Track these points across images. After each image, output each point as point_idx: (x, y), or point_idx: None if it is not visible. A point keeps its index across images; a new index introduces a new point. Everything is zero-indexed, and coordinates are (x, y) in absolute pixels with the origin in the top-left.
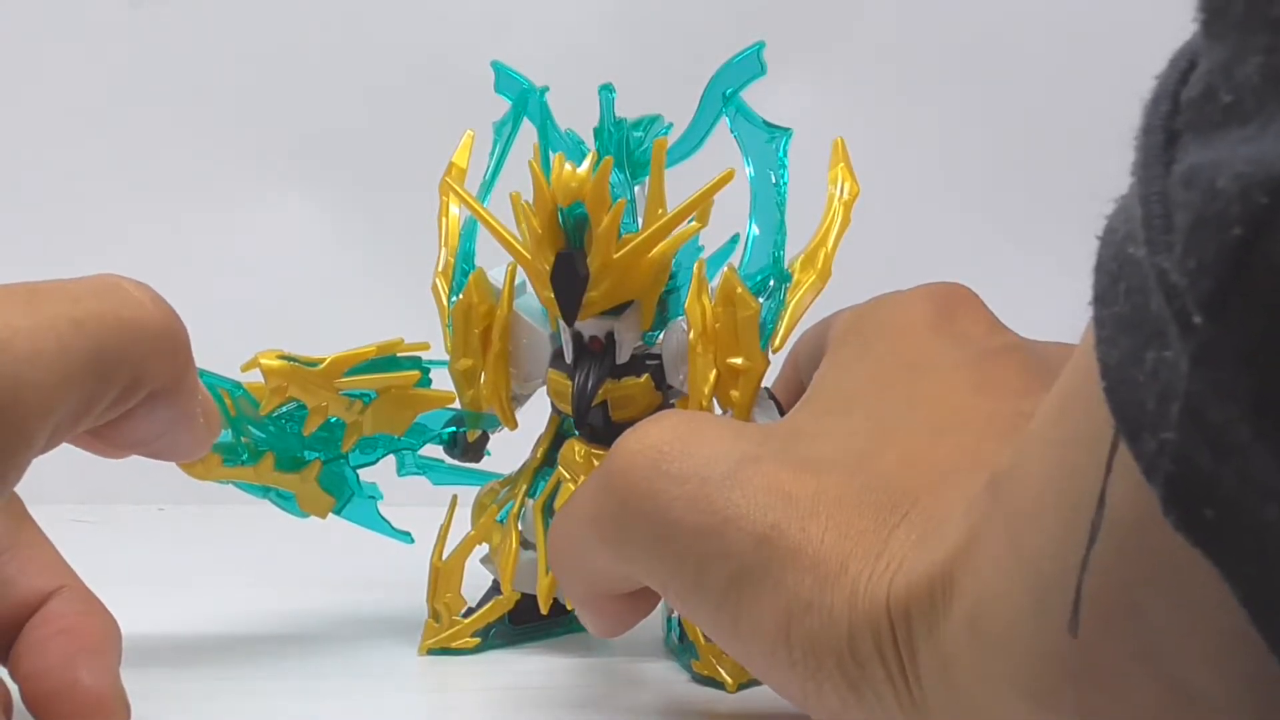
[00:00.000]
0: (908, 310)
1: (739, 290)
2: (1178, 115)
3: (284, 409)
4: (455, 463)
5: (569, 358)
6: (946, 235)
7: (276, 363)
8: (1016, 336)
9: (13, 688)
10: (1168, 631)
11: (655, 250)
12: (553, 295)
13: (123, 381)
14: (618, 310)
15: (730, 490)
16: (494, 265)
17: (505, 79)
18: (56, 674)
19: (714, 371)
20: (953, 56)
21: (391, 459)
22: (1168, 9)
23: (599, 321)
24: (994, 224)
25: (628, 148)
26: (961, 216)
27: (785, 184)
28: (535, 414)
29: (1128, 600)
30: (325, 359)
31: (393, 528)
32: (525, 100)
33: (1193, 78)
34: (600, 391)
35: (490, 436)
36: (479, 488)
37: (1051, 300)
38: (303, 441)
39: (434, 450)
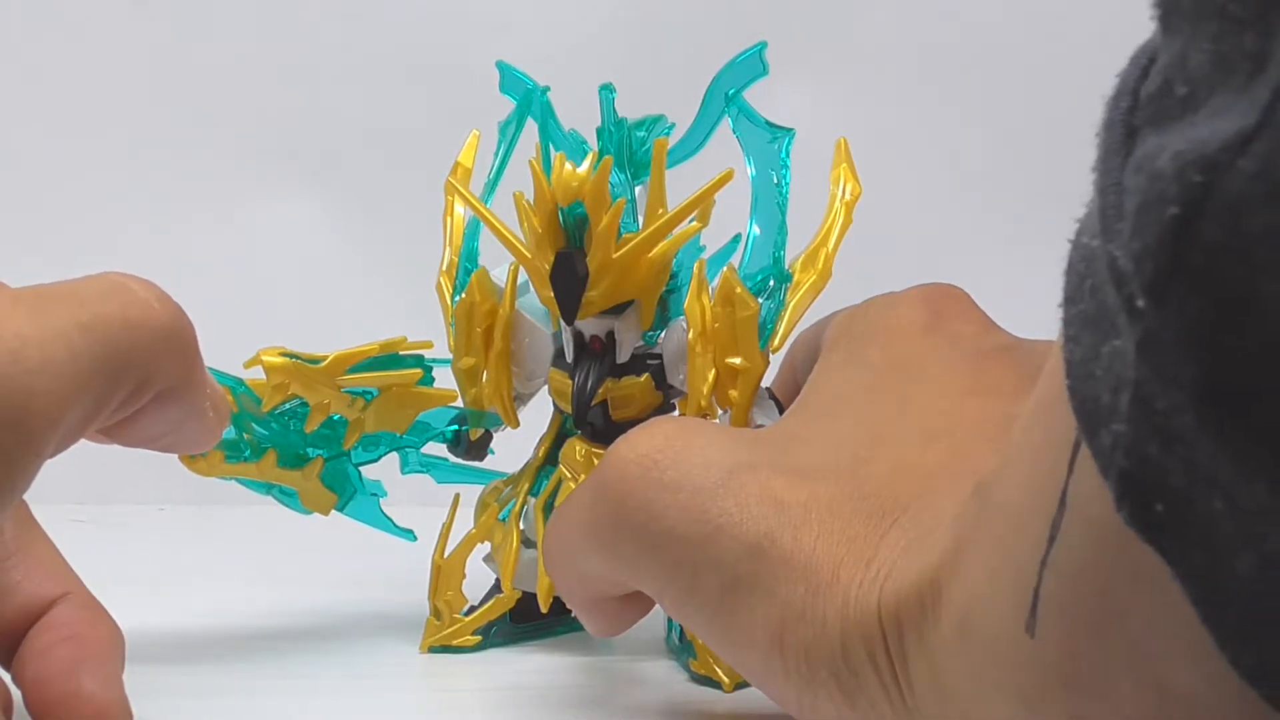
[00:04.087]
0: (899, 312)
1: (738, 290)
2: (1137, 110)
3: (286, 406)
4: (459, 461)
5: (569, 357)
6: (949, 236)
7: (278, 360)
8: (1009, 336)
9: (14, 691)
10: (1149, 633)
11: (655, 250)
12: (552, 295)
13: (132, 383)
14: (618, 310)
15: (723, 498)
16: (498, 264)
17: (510, 79)
18: (60, 681)
19: (713, 371)
20: (955, 57)
21: (395, 457)
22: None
23: (599, 321)
24: (996, 224)
25: (629, 148)
26: (964, 217)
27: (787, 184)
28: (538, 413)
29: (1108, 603)
30: (327, 356)
31: (395, 525)
32: (530, 100)
33: (1151, 72)
34: (600, 391)
35: (494, 435)
36: (482, 486)
37: (1054, 300)
38: (305, 439)
39: (438, 449)
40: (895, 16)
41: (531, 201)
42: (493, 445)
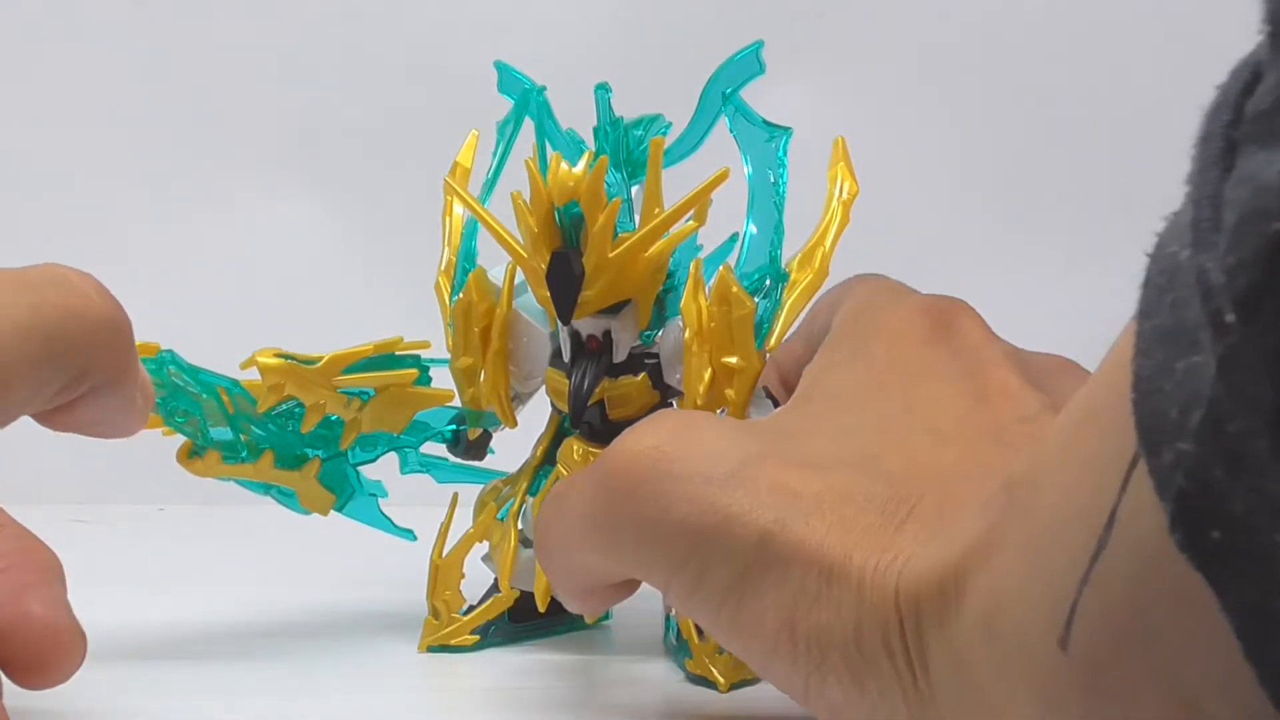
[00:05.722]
0: (904, 317)
1: (734, 289)
2: (1239, 125)
3: (284, 407)
4: (459, 461)
5: (566, 356)
6: (946, 236)
7: (273, 361)
8: (1010, 346)
9: None
10: (1181, 654)
11: (652, 249)
12: (549, 294)
13: (72, 369)
14: (615, 309)
15: (733, 489)
16: (497, 264)
17: (508, 78)
18: (6, 609)
19: (709, 371)
20: (955, 58)
21: (395, 457)
22: (1166, 11)
23: (596, 320)
24: (994, 225)
25: (627, 147)
26: (961, 217)
27: (784, 183)
28: (538, 413)
29: (1142, 620)
30: (323, 357)
31: (394, 525)
32: (527, 100)
33: (1260, 89)
34: (597, 390)
35: (493, 435)
36: (482, 486)
37: (1052, 301)
38: (302, 439)
39: (439, 449)
40: (894, 16)
41: (528, 201)
42: (493, 445)
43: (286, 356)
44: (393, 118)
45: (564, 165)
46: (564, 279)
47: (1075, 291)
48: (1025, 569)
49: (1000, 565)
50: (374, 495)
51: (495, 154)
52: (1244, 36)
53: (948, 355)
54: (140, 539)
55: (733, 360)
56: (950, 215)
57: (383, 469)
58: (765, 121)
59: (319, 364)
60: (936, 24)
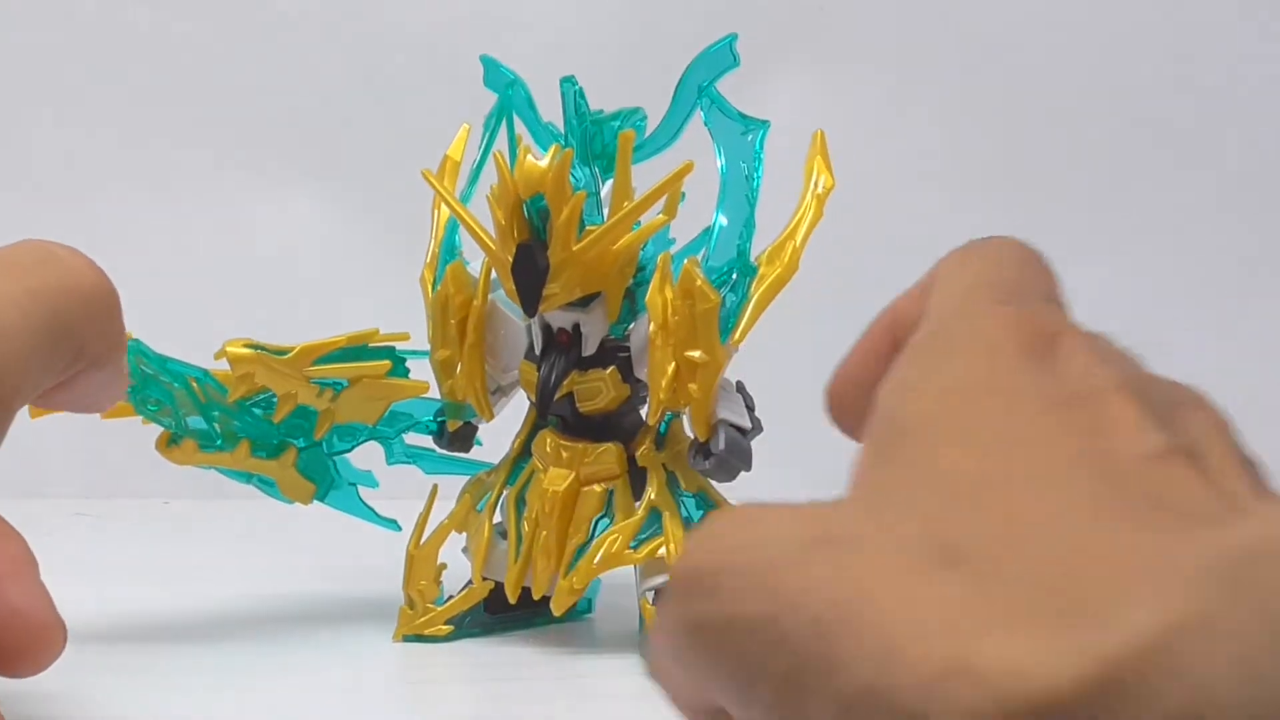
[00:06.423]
0: (995, 329)
1: (698, 283)
2: None
3: (260, 397)
4: (446, 452)
5: (538, 349)
6: (944, 233)
7: (243, 350)
8: (1129, 368)
9: None
10: None
11: (620, 243)
12: (514, 287)
13: (74, 347)
14: (584, 302)
15: (789, 574)
16: (479, 258)
17: (493, 72)
18: None
19: (672, 365)
20: (948, 58)
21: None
22: (1159, 12)
23: (565, 313)
24: (991, 224)
25: (601, 140)
26: (958, 214)
27: (759, 177)
28: (525, 404)
29: None
30: (294, 347)
31: (376, 514)
32: (511, 93)
33: None
34: (565, 383)
35: (478, 426)
36: (468, 477)
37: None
38: (277, 428)
39: (427, 440)
40: (891, 15)
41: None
42: (484, 438)
43: (256, 347)
44: (391, 114)
45: (530, 158)
46: (528, 272)
47: (1069, 293)
48: (1253, 666)
49: (1206, 662)
50: (354, 485)
51: (480, 147)
52: (1242, 36)
53: (1049, 377)
54: (145, 533)
55: (696, 354)
56: (947, 213)
57: (375, 462)
58: (742, 115)
59: (290, 354)
60: (937, 20)
